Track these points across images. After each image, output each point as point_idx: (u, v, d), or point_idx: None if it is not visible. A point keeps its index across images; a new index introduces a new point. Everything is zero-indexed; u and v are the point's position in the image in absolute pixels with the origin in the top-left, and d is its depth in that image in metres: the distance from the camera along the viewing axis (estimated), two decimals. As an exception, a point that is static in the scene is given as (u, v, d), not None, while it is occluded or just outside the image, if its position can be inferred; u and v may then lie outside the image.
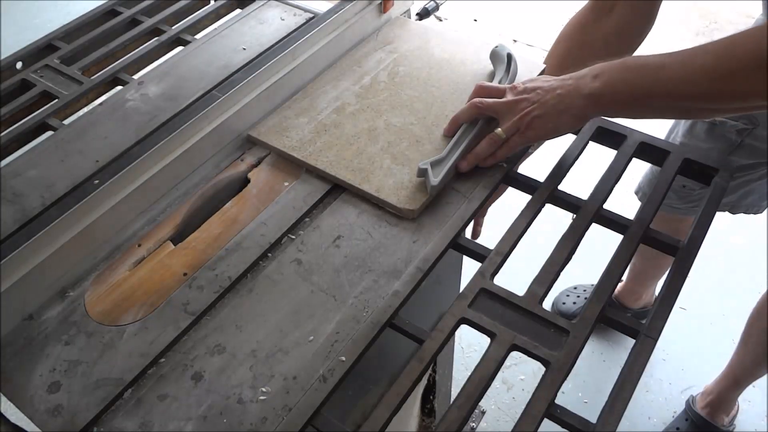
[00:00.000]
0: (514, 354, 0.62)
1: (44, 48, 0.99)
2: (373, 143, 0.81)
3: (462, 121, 0.80)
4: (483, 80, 0.88)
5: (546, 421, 0.58)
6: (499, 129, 0.76)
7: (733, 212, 1.24)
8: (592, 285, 1.68)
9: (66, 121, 0.90)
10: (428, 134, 0.82)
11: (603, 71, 0.71)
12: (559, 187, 0.78)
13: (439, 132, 0.82)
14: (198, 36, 1.01)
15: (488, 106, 0.78)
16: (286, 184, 0.78)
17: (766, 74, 0.61)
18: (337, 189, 0.78)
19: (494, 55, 0.91)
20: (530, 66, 0.91)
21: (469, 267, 0.77)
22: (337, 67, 0.93)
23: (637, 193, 1.35)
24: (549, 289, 0.68)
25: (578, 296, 1.68)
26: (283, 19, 1.02)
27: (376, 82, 0.90)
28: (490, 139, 0.77)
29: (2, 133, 0.87)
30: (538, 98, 0.75)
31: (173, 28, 1.02)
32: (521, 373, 1.58)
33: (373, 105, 0.87)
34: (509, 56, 0.89)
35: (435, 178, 0.73)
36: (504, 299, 0.66)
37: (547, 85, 0.75)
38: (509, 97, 0.77)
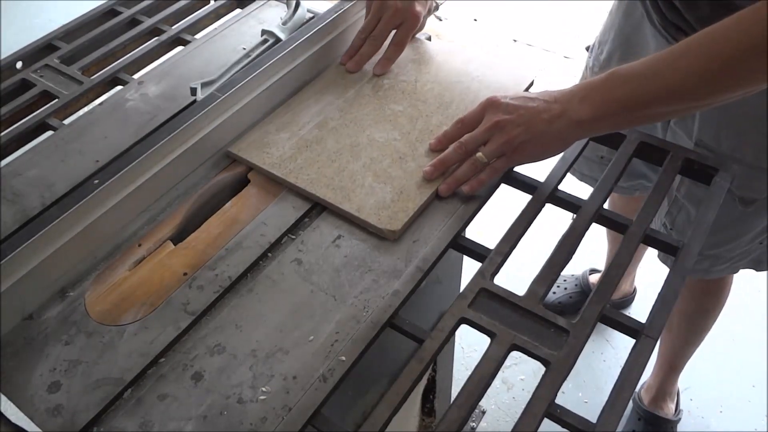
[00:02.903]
0: (514, 354, 0.62)
1: (44, 48, 0.99)
2: (355, 160, 0.79)
3: (450, 165, 0.76)
4: (468, 95, 0.87)
5: (546, 420, 0.58)
6: (480, 153, 0.74)
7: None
8: (573, 275, 1.69)
9: (66, 121, 0.90)
10: (412, 150, 0.80)
11: (589, 94, 0.70)
12: (559, 187, 0.78)
13: (423, 148, 0.80)
14: (198, 36, 1.01)
15: (474, 142, 0.75)
16: (286, 183, 0.78)
17: (758, 60, 0.61)
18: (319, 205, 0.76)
19: None
20: (518, 79, 0.89)
21: (469, 267, 0.77)
22: (320, 80, 0.90)
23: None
24: (549, 289, 0.68)
25: (558, 286, 1.68)
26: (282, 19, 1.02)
27: (360, 96, 0.88)
28: (471, 163, 0.75)
29: (2, 133, 0.87)
30: (523, 120, 0.72)
31: (173, 27, 1.02)
32: (521, 373, 1.58)
33: (356, 119, 0.84)
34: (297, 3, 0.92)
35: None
36: (504, 299, 0.66)
37: (532, 106, 0.73)
38: (491, 116, 0.75)
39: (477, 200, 0.76)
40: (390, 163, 0.78)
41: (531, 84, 0.89)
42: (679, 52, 0.66)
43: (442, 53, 0.94)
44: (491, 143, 0.74)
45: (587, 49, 1.16)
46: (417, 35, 0.96)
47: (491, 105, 0.75)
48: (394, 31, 0.90)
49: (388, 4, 0.88)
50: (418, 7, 0.89)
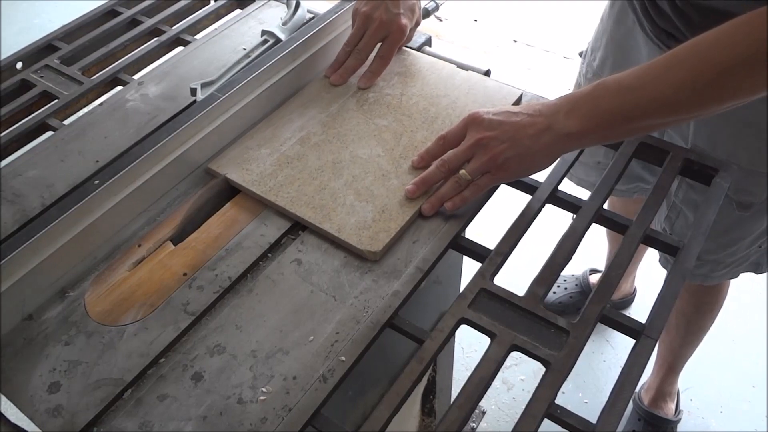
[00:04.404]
0: (514, 354, 0.62)
1: (44, 48, 0.99)
2: (337, 177, 0.77)
3: (433, 183, 0.74)
4: (455, 109, 0.85)
5: (546, 421, 0.58)
6: (464, 170, 0.73)
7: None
8: (573, 275, 1.69)
9: (66, 122, 0.90)
10: (395, 167, 0.78)
11: (575, 106, 0.68)
12: (559, 187, 0.78)
13: (407, 164, 0.78)
14: (198, 36, 1.02)
15: (456, 159, 0.73)
16: (286, 184, 0.78)
17: (757, 69, 0.59)
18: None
19: None
20: (505, 92, 0.86)
21: (469, 267, 0.77)
22: (304, 93, 0.88)
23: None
24: (549, 289, 0.68)
25: (558, 286, 1.68)
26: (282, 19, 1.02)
27: (344, 110, 0.85)
28: (455, 181, 0.73)
29: (2, 133, 0.87)
30: (507, 137, 0.70)
31: (173, 28, 1.02)
32: (521, 373, 1.58)
33: (339, 135, 0.82)
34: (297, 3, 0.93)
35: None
36: (504, 299, 0.66)
37: (515, 121, 0.70)
38: (473, 133, 0.73)
39: (476, 201, 0.76)
40: (372, 180, 0.76)
41: (519, 97, 0.86)
42: (669, 62, 0.64)
43: (429, 66, 0.92)
44: (475, 161, 0.72)
45: (580, 54, 1.16)
46: (403, 47, 0.94)
47: (473, 121, 0.73)
48: (379, 44, 0.89)
49: (373, 17, 0.87)
50: (404, 20, 0.88)
